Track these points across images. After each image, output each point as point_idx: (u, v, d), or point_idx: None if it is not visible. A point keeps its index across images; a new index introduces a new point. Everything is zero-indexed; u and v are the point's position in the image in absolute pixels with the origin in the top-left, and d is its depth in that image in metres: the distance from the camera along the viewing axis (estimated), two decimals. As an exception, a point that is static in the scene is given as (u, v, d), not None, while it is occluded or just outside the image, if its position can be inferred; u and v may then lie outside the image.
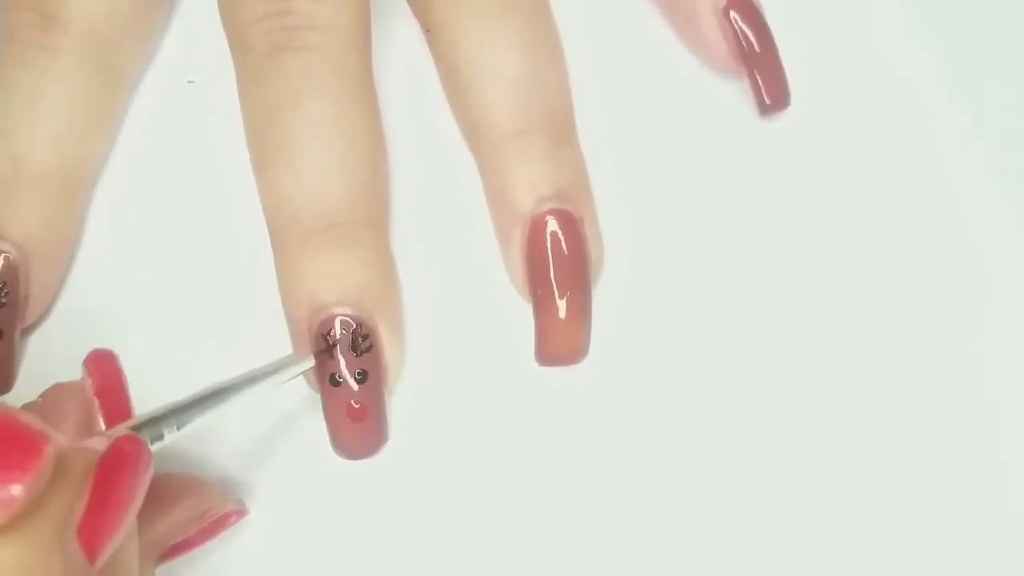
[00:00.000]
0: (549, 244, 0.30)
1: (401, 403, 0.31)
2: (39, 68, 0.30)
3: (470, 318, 0.32)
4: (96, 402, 0.26)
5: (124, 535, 0.23)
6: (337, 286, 0.29)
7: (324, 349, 0.29)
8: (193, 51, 0.34)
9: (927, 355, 0.32)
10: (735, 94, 0.33)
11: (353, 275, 0.30)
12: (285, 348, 0.30)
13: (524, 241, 0.31)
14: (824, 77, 0.34)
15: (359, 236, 0.30)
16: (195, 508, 0.28)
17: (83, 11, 0.31)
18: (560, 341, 0.31)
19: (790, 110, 0.33)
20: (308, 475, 0.30)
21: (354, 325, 0.29)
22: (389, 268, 0.31)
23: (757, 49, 0.32)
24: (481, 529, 0.30)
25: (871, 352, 0.32)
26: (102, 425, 0.26)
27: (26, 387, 0.31)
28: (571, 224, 0.30)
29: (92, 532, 0.22)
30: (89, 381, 0.26)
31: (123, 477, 0.23)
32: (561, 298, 0.30)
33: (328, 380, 0.29)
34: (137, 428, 0.24)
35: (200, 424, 0.26)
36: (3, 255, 0.30)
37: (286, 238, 0.30)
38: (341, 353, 0.29)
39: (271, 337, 0.31)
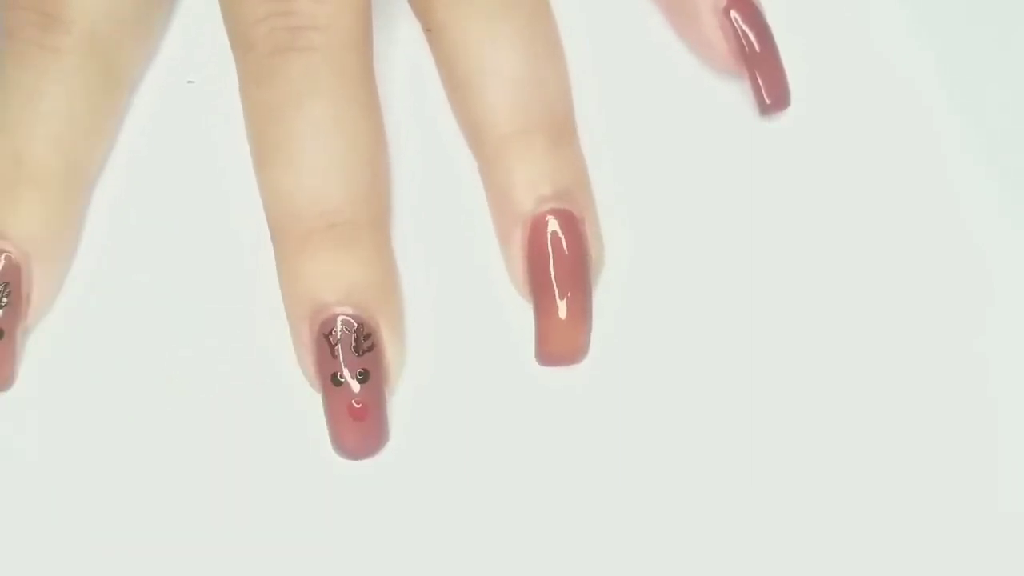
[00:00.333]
0: (550, 244, 0.30)
1: (402, 403, 0.31)
2: (40, 68, 0.30)
3: (470, 318, 0.32)
4: None
5: None
6: (338, 286, 0.29)
7: (326, 348, 0.29)
8: (193, 51, 0.34)
9: (927, 355, 0.32)
10: (735, 94, 0.33)
11: (354, 275, 0.30)
12: (286, 348, 0.30)
13: (524, 241, 0.31)
14: (824, 77, 0.34)
15: (360, 236, 0.30)
16: None
17: (84, 11, 0.31)
18: (560, 341, 0.31)
19: (790, 110, 0.33)
20: (308, 475, 0.30)
21: (356, 325, 0.29)
22: (390, 268, 0.31)
23: (757, 49, 0.32)
24: (482, 529, 0.30)
25: (871, 352, 0.32)
26: None
27: (26, 386, 0.31)
28: (572, 224, 0.30)
29: None
30: None
31: None
32: (562, 298, 0.30)
33: (329, 380, 0.29)
34: None
35: None
36: (5, 255, 0.30)
37: (287, 237, 0.30)
38: (343, 353, 0.29)
39: (272, 337, 0.31)
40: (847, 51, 0.34)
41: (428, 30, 0.33)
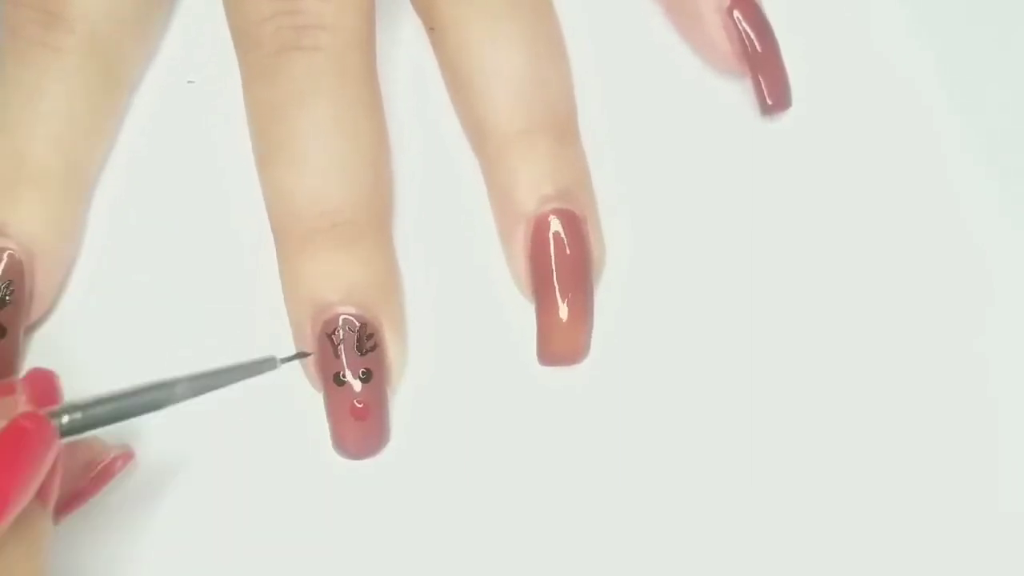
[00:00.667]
0: (552, 244, 0.30)
1: (403, 403, 0.31)
2: (41, 66, 0.30)
3: (471, 318, 0.32)
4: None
5: (17, 510, 0.23)
6: (341, 285, 0.29)
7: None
8: (193, 51, 0.34)
9: (927, 355, 0.32)
10: (737, 94, 0.34)
11: (357, 275, 0.30)
12: (288, 347, 0.30)
13: (527, 240, 0.31)
14: (824, 77, 0.34)
15: (362, 236, 0.30)
16: (81, 457, 0.28)
17: (87, 11, 0.31)
18: (562, 341, 0.31)
19: (791, 110, 0.33)
20: (309, 475, 0.30)
21: (358, 324, 0.29)
22: (392, 268, 0.31)
23: (759, 49, 0.32)
24: (483, 529, 0.30)
25: (871, 352, 0.32)
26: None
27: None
28: (574, 224, 0.30)
29: None
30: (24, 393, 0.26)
31: (16, 454, 0.23)
32: (563, 298, 0.30)
33: (332, 379, 0.29)
34: (55, 414, 0.25)
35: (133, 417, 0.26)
36: (8, 253, 0.30)
37: (289, 237, 0.30)
38: (345, 352, 0.29)
39: (272, 336, 0.30)
40: (847, 51, 0.35)
41: (431, 29, 0.33)
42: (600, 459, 0.31)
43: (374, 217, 0.31)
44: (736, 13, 0.32)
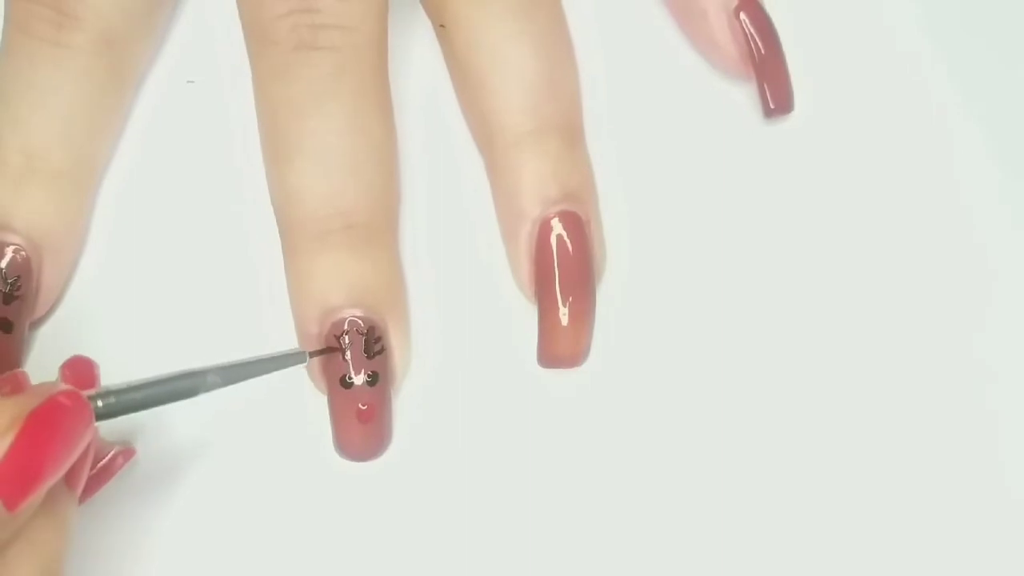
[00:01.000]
0: (555, 246, 0.30)
1: (404, 404, 0.31)
2: (52, 64, 0.30)
3: (473, 319, 0.32)
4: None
5: (48, 485, 0.23)
6: (348, 287, 0.29)
7: (335, 350, 0.29)
8: (196, 51, 0.34)
9: (927, 355, 0.32)
10: (741, 97, 0.34)
11: (365, 277, 0.29)
12: (290, 344, 0.30)
13: (530, 242, 0.30)
14: (829, 79, 0.34)
15: (371, 238, 0.30)
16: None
17: (97, 9, 0.30)
18: (563, 343, 0.30)
19: (796, 112, 0.33)
20: (309, 476, 0.30)
21: (366, 328, 0.29)
22: (399, 271, 0.31)
23: (763, 52, 0.32)
24: (484, 529, 0.30)
25: (872, 352, 0.32)
26: None
27: (33, 380, 0.30)
28: (578, 226, 0.30)
29: (10, 480, 0.22)
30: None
31: (53, 428, 0.23)
32: (565, 300, 0.30)
33: (339, 382, 0.29)
34: (91, 397, 0.25)
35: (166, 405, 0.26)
36: (15, 249, 0.30)
37: (299, 235, 0.30)
38: (352, 355, 0.29)
39: (275, 336, 0.30)
40: (852, 53, 0.34)
41: (441, 26, 0.32)
42: (601, 461, 0.31)
43: (385, 219, 0.30)
44: (743, 15, 0.32)
